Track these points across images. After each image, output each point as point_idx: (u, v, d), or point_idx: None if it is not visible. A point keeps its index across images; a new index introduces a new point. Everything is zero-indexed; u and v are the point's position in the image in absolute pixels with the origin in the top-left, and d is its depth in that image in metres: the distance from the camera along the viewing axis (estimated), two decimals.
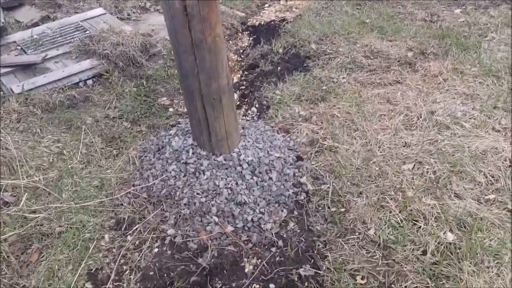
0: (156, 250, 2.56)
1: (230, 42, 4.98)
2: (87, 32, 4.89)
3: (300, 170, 3.03)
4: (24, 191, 2.84)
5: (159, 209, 2.74)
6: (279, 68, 4.12)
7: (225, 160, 2.91)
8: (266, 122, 3.51)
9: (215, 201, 2.74)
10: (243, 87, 4.10)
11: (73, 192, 2.89)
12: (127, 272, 2.46)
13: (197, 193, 2.77)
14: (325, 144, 3.20)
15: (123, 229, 2.66)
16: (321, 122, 3.43)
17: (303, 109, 3.59)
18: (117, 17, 5.49)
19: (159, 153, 3.12)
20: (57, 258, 2.47)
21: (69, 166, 3.07)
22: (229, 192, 2.79)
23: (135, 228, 2.67)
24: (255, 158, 2.96)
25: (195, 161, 2.91)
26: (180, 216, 2.71)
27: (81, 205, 2.77)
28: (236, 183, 2.83)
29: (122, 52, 4.27)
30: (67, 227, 2.64)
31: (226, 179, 2.84)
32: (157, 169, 2.95)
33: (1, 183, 2.82)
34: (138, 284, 2.39)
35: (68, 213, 2.72)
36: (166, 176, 2.88)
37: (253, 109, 3.72)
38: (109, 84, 4.13)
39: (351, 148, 3.13)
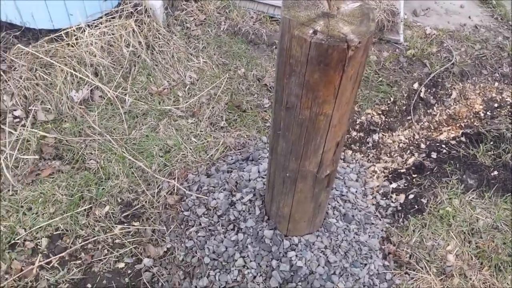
0: (119, 265, 2.12)
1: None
2: None
3: None
4: (110, 99, 2.67)
5: (164, 227, 2.21)
6: (496, 172, 2.63)
7: (270, 240, 2.09)
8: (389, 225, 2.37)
9: (216, 276, 2.05)
10: (432, 157, 2.81)
11: (144, 138, 2.57)
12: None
13: (208, 248, 2.11)
14: None
15: (126, 212, 2.26)
16: None
17: (457, 256, 2.27)
18: None
19: (241, 162, 2.46)
20: (52, 190, 2.27)
21: (176, 115, 2.72)
22: (239, 277, 2.05)
23: (135, 223, 2.24)
24: (307, 268, 2.04)
25: (242, 211, 2.17)
26: (172, 256, 2.13)
27: (129, 158, 2.45)
28: (254, 277, 2.05)
29: None
30: (96, 168, 2.39)
31: (248, 260, 2.07)
32: (207, 184, 2.33)
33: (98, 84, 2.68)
34: None
35: (113, 154, 2.45)
36: (204, 200, 2.25)
37: (402, 196, 2.53)
38: None
39: None
